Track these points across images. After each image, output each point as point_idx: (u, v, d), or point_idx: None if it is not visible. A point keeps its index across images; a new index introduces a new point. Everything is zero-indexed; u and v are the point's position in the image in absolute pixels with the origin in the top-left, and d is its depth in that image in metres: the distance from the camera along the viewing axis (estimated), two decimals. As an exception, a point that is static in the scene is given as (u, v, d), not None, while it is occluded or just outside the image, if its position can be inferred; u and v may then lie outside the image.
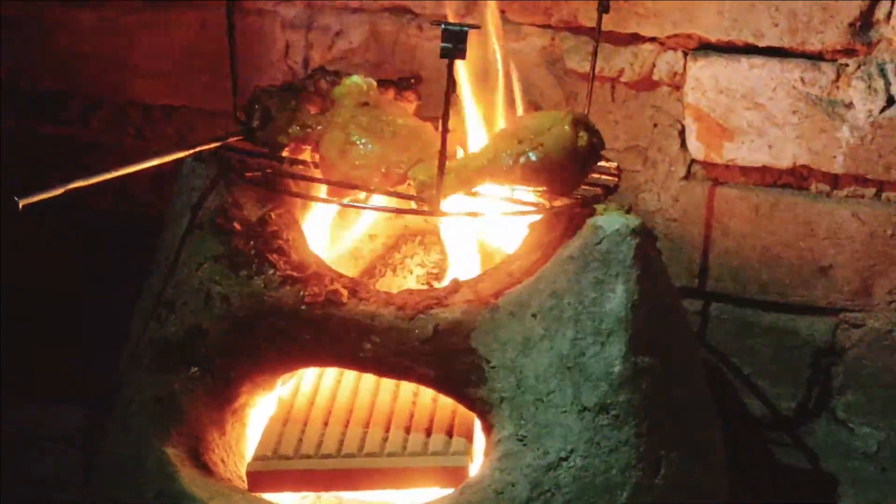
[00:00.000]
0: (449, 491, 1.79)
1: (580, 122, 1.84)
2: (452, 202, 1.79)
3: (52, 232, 2.72)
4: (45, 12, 2.68)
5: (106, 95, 2.76)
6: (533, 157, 1.79)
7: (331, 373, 2.02)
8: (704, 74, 2.33)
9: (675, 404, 1.85)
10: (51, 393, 2.49)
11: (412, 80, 2.11)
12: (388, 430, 1.90)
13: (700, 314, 2.46)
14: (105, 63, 2.71)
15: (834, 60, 2.25)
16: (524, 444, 1.76)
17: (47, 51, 2.72)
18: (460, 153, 1.98)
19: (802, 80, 2.27)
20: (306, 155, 1.92)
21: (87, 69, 2.73)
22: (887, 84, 2.23)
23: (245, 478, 1.87)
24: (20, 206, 1.60)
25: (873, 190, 2.31)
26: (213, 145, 1.92)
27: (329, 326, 1.84)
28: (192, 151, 1.90)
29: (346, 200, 1.87)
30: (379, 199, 1.90)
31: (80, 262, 2.76)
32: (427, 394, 1.94)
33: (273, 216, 1.91)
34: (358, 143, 1.84)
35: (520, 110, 2.08)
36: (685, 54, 2.34)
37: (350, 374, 2.01)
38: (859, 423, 2.43)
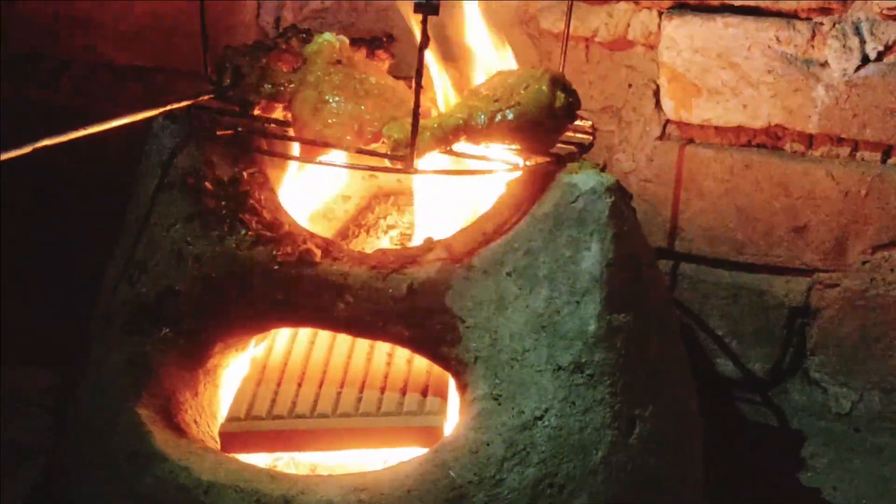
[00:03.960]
0: (424, 450, 1.79)
1: (557, 82, 1.83)
2: (427, 160, 1.78)
3: (21, 194, 2.69)
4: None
5: (75, 57, 2.73)
6: (510, 116, 1.78)
7: (305, 333, 2.01)
8: (679, 34, 2.32)
9: (649, 363, 1.85)
10: (20, 354, 2.47)
11: (384, 39, 2.08)
12: (362, 390, 1.89)
13: (670, 274, 2.47)
14: (74, 24, 2.68)
15: (809, 19, 2.25)
16: (499, 404, 1.75)
17: (16, 13, 2.69)
18: (434, 112, 1.96)
19: (777, 38, 2.26)
20: (278, 113, 1.90)
21: (56, 31, 2.70)
22: (862, 43, 2.23)
23: (218, 439, 1.86)
24: (-12, 165, 1.58)
25: (848, 149, 2.32)
26: (183, 104, 1.90)
27: (302, 286, 1.83)
28: (162, 110, 1.88)
29: (318, 159, 1.85)
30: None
31: (50, 223, 2.74)
32: (402, 354, 1.93)
33: (245, 175, 1.89)
34: (331, 101, 1.82)
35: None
36: (660, 14, 2.34)
37: (324, 335, 1.99)
38: (832, 384, 2.44)
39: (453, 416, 1.85)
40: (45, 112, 2.73)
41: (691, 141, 2.39)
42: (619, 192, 1.83)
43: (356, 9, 2.51)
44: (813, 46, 2.25)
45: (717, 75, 2.31)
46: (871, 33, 2.22)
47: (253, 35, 2.54)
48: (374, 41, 2.07)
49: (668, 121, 2.40)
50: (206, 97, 1.93)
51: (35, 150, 1.64)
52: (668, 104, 2.37)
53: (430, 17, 1.62)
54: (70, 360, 2.02)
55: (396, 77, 1.98)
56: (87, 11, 2.66)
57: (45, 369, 2.46)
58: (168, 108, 1.89)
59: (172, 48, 2.63)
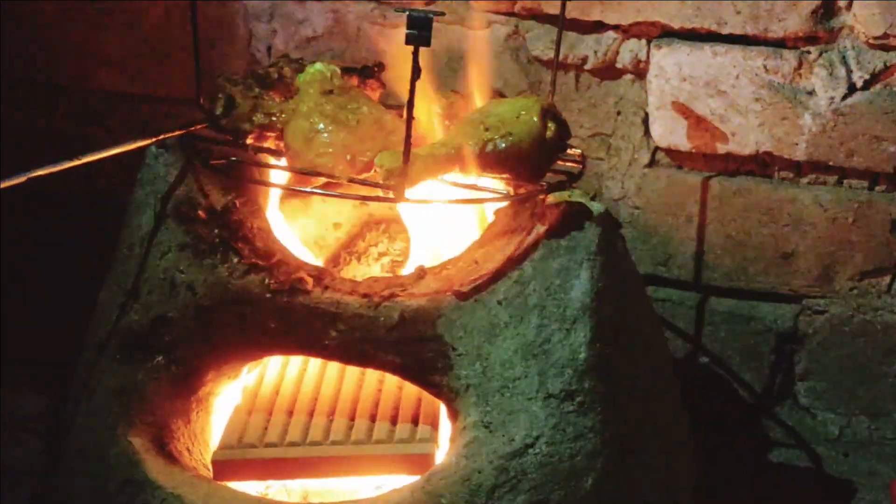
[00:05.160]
0: (415, 478, 1.79)
1: (548, 113, 1.84)
2: (418, 189, 1.79)
3: (15, 220, 2.70)
4: (7, 1, 2.66)
5: (69, 84, 2.74)
6: (501, 146, 1.79)
7: (296, 361, 2.02)
8: (668, 62, 2.33)
9: (640, 390, 1.86)
10: (12, 380, 2.47)
11: (375, 69, 2.10)
12: (353, 418, 1.89)
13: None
14: (68, 52, 2.69)
15: (796, 48, 2.27)
16: (490, 431, 1.76)
17: (9, 40, 2.70)
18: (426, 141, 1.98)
19: (765, 67, 2.28)
20: (270, 143, 1.91)
21: (50, 58, 2.71)
22: (849, 72, 2.24)
23: (210, 466, 1.86)
24: (-18, 194, 1.59)
25: (835, 177, 2.33)
26: (176, 132, 1.91)
27: (294, 314, 1.84)
28: (155, 139, 1.89)
29: (310, 188, 1.86)
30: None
31: (43, 249, 2.74)
32: (393, 381, 1.94)
33: (238, 204, 1.90)
34: (323, 131, 1.83)
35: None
36: (648, 42, 2.35)
37: (316, 363, 2.00)
38: (821, 409, 2.45)
39: (444, 444, 1.86)
40: (40, 138, 2.74)
41: (680, 168, 2.40)
42: (609, 221, 1.84)
43: (348, 37, 2.53)
44: (800, 75, 2.27)
45: (706, 103, 2.33)
46: (858, 62, 2.24)
47: (245, 63, 2.55)
48: (364, 70, 2.09)
49: (657, 148, 2.41)
50: (198, 126, 1.94)
51: (30, 179, 1.65)
52: (657, 131, 2.39)
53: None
54: (63, 385, 2.02)
55: (388, 106, 1.99)
56: (81, 39, 2.67)
57: (39, 394, 2.46)
58: (161, 137, 1.90)
59: (165, 76, 2.64)
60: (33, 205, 2.65)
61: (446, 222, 2.07)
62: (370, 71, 2.08)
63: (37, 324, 2.60)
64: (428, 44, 1.62)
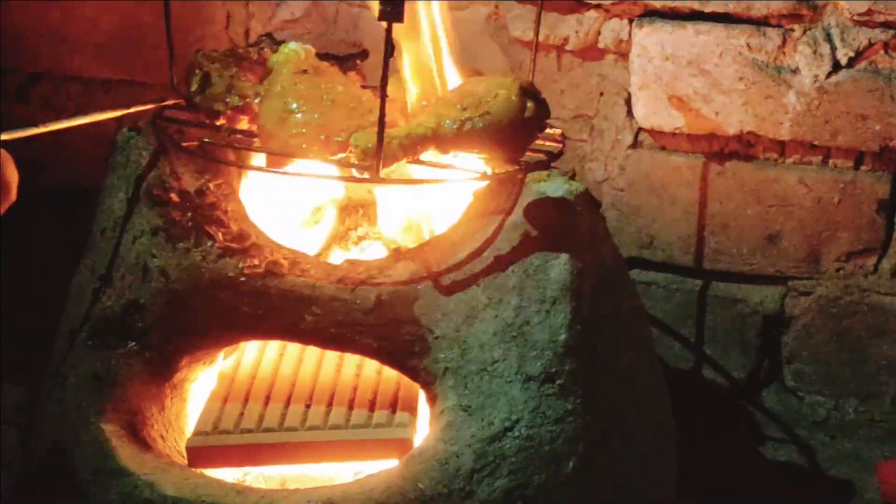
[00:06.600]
0: (393, 463, 1.77)
1: (527, 92, 1.82)
2: (395, 169, 1.77)
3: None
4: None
5: (44, 70, 2.72)
6: (479, 125, 1.76)
7: (273, 346, 2.00)
8: (650, 41, 2.31)
9: (622, 373, 1.84)
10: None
11: (358, 62, 2.06)
12: (331, 403, 1.87)
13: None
14: (42, 38, 2.67)
15: (780, 26, 2.25)
16: (469, 415, 1.74)
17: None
18: (402, 121, 1.95)
19: (748, 45, 2.26)
20: (244, 123, 1.88)
21: (24, 44, 2.68)
22: (833, 49, 2.22)
23: (185, 453, 1.84)
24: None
25: (820, 156, 2.31)
26: (149, 106, 1.89)
27: (269, 298, 1.81)
28: (127, 111, 1.88)
29: (283, 169, 1.84)
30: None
31: (17, 237, 2.71)
32: (371, 366, 1.92)
33: (211, 187, 1.87)
34: (296, 111, 1.80)
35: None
36: (630, 21, 2.33)
37: (293, 348, 1.98)
38: (808, 392, 2.44)
39: (423, 428, 1.83)
40: (15, 126, 2.71)
41: (664, 149, 2.38)
42: (589, 201, 1.82)
43: (326, 19, 2.50)
44: (784, 53, 2.25)
45: (689, 83, 2.31)
46: (842, 39, 2.21)
47: (223, 46, 2.52)
48: (346, 59, 2.05)
49: (640, 129, 2.39)
50: (171, 101, 1.92)
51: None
52: (639, 112, 2.36)
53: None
54: (37, 376, 2.00)
55: (366, 87, 1.97)
56: (56, 25, 2.64)
57: (16, 384, 2.44)
58: (133, 109, 1.88)
59: (142, 60, 2.62)
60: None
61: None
62: (352, 63, 2.05)
63: (25, 320, 2.58)
64: (401, 20, 1.59)
